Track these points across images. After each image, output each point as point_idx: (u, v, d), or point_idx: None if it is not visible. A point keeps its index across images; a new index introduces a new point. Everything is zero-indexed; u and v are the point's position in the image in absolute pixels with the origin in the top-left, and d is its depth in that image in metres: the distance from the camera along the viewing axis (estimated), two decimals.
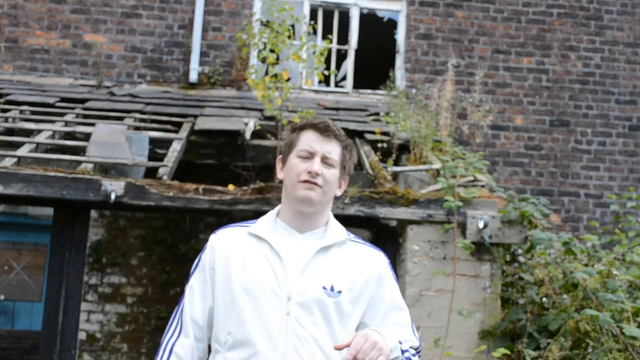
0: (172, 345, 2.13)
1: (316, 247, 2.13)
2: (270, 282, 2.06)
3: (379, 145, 6.11)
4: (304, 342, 2.02)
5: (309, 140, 2.16)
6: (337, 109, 7.36)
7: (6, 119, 6.26)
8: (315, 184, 2.11)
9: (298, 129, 2.21)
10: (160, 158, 5.83)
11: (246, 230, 2.18)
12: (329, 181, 2.15)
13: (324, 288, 2.07)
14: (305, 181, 2.11)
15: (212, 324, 2.14)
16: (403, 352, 2.04)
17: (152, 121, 6.49)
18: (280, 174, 2.24)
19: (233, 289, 2.08)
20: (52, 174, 4.87)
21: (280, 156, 2.26)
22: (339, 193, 2.23)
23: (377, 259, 2.23)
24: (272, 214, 2.23)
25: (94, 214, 7.54)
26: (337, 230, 2.21)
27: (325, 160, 2.15)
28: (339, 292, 2.08)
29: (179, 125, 6.46)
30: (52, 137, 5.88)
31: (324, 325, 2.05)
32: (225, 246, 2.15)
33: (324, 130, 2.17)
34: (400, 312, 2.19)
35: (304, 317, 2.04)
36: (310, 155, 2.15)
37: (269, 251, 2.11)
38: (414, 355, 2.11)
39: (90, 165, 5.16)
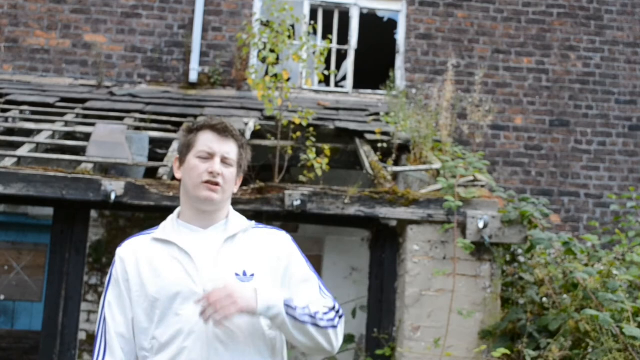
0: None
1: (222, 237, 2.19)
2: (184, 280, 2.12)
3: (379, 145, 6.11)
4: (227, 332, 2.07)
5: (207, 140, 2.22)
6: (337, 109, 7.36)
7: (6, 119, 6.26)
8: (217, 184, 2.18)
9: (196, 129, 2.26)
10: (160, 158, 5.84)
11: (150, 237, 2.24)
12: (228, 180, 2.22)
13: (237, 275, 2.13)
14: (207, 182, 2.18)
15: (136, 335, 2.17)
16: (293, 308, 2.06)
17: (152, 121, 6.49)
18: (177, 174, 2.29)
19: (149, 295, 2.12)
20: (52, 174, 4.87)
21: (177, 156, 2.30)
22: (235, 190, 2.30)
23: (282, 238, 2.29)
24: (172, 217, 2.29)
25: (94, 214, 7.54)
26: (239, 219, 2.29)
27: (224, 160, 2.22)
28: (252, 275, 2.14)
29: (179, 125, 6.46)
30: (52, 137, 5.88)
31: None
32: (132, 256, 2.19)
33: (222, 131, 2.23)
34: (307, 282, 2.23)
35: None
36: (209, 156, 2.21)
37: (177, 252, 2.16)
38: (324, 313, 2.13)
39: (90, 165, 5.16)
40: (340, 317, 2.19)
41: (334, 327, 2.14)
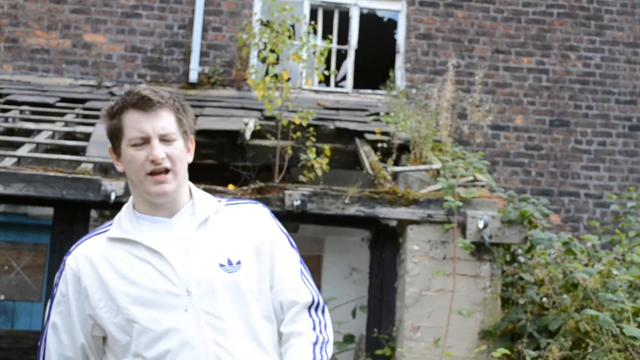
0: None
1: (193, 225, 1.87)
2: (160, 283, 1.80)
3: (379, 145, 6.11)
4: (224, 334, 1.80)
5: (134, 122, 1.82)
6: (337, 109, 7.36)
7: (6, 119, 6.26)
8: (165, 170, 1.83)
9: (116, 112, 1.85)
10: None
11: (104, 236, 1.88)
12: (176, 159, 1.84)
13: (221, 265, 1.84)
14: (152, 173, 1.82)
15: (87, 358, 1.88)
16: None
17: None
18: (119, 167, 1.91)
19: (122, 308, 1.79)
20: (52, 174, 4.87)
21: (110, 147, 1.92)
22: (190, 158, 1.94)
23: (259, 213, 1.98)
24: (127, 208, 1.92)
25: (94, 214, 7.53)
26: (206, 200, 1.94)
27: (163, 138, 1.83)
28: (238, 262, 1.86)
29: None
30: (52, 137, 5.88)
31: (239, 306, 1.83)
32: (88, 264, 1.84)
33: (146, 105, 1.82)
34: (290, 266, 1.95)
35: (213, 305, 1.80)
36: (144, 141, 1.82)
37: (144, 251, 1.83)
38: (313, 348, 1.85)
39: (90, 165, 5.16)
40: (323, 310, 1.93)
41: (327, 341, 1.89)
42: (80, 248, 1.88)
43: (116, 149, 1.88)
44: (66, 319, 1.85)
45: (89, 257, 1.85)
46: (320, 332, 1.89)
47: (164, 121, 1.84)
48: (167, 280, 1.81)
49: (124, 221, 1.89)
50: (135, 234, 1.85)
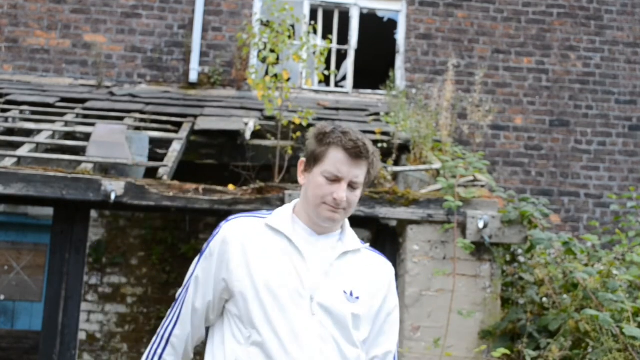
0: (169, 334, 2.14)
1: (337, 251, 2.13)
2: (293, 280, 2.05)
3: (379, 145, 6.11)
4: (327, 344, 2.04)
5: (337, 162, 2.07)
6: (337, 109, 7.36)
7: (6, 119, 6.26)
8: (340, 208, 2.09)
9: (327, 143, 2.09)
10: (160, 158, 5.83)
11: (263, 221, 2.13)
12: (352, 203, 2.12)
13: (345, 292, 2.10)
14: (330, 204, 2.09)
15: (208, 312, 2.14)
16: None
17: (152, 121, 6.49)
18: (300, 178, 2.17)
19: (256, 284, 2.04)
20: (52, 174, 4.87)
21: (303, 159, 2.16)
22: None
23: (388, 270, 2.27)
24: (288, 209, 2.18)
25: (94, 214, 7.54)
26: (353, 237, 2.22)
27: (351, 184, 2.09)
28: (357, 297, 2.12)
29: (179, 125, 6.46)
30: (52, 137, 5.88)
31: (342, 328, 2.08)
32: (240, 237, 2.09)
33: (355, 155, 2.07)
34: (392, 329, 2.30)
35: (326, 318, 2.06)
36: (337, 179, 2.07)
37: (290, 247, 2.09)
38: None
39: (90, 165, 5.16)
40: None
41: None
42: (239, 221, 2.15)
43: (309, 166, 2.13)
44: (206, 275, 2.11)
45: (243, 230, 2.11)
46: None
47: (359, 171, 2.09)
48: (298, 280, 2.05)
49: (282, 217, 2.15)
50: (287, 230, 2.11)
